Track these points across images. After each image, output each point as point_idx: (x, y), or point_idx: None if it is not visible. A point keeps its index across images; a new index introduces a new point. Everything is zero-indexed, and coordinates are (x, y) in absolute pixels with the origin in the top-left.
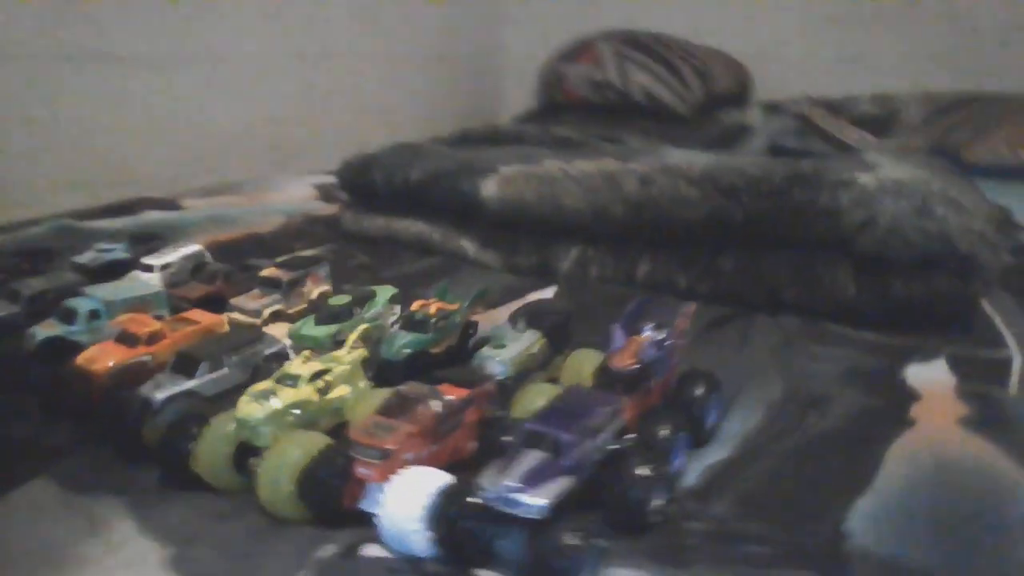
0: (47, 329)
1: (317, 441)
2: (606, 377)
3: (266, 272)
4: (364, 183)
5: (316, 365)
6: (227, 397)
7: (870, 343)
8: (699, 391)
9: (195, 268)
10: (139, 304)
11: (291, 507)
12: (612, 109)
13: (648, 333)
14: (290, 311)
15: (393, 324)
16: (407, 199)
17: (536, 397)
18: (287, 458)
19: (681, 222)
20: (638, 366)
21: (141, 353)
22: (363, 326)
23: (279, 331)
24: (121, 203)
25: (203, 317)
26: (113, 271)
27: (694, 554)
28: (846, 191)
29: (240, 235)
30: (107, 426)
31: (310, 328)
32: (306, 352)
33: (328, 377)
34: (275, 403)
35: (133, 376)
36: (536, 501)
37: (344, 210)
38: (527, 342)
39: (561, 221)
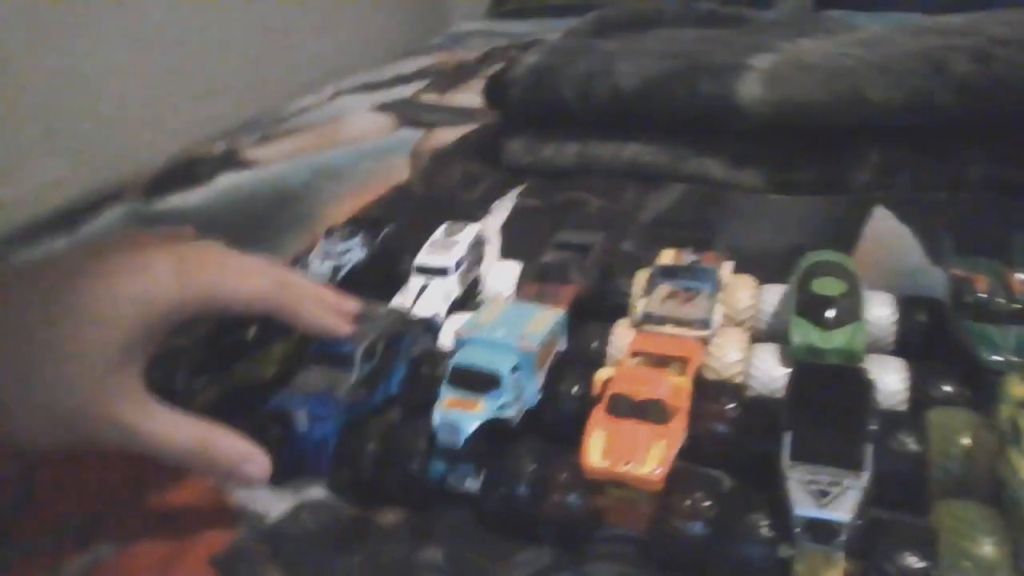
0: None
1: None
2: None
3: (666, 258)
4: (545, 102)
5: None
6: None
7: None
8: None
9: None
10: (549, 343)
11: None
12: None
13: None
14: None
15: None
16: (613, 115)
17: None
18: None
19: None
20: None
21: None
22: None
23: (733, 342)
24: (176, 165)
25: (672, 345)
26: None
27: None
28: None
29: (382, 192)
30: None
31: (830, 338)
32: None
33: None
34: None
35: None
36: None
37: (507, 139)
38: None
39: (865, 120)
